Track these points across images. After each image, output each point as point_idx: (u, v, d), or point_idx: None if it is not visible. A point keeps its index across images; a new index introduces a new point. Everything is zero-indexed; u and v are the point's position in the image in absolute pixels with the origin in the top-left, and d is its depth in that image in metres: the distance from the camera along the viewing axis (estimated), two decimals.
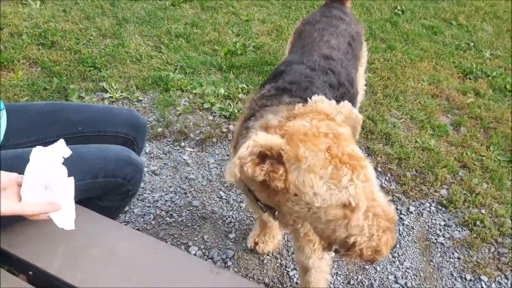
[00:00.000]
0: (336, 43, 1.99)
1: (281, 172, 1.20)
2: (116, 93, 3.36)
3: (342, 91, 1.83)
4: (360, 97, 2.64)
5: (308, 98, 1.38)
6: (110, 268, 1.27)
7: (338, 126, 1.27)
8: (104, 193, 1.65)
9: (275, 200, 1.34)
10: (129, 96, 3.36)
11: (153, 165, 2.87)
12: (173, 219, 2.55)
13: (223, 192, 2.74)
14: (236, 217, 2.59)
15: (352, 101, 1.89)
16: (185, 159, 2.92)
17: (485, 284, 2.37)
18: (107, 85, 3.40)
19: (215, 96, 3.43)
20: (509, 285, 2.38)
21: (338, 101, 1.77)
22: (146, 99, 3.38)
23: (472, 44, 4.58)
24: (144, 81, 3.51)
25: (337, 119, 1.31)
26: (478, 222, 2.65)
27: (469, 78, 4.04)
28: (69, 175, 1.27)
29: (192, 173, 2.84)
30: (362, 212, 1.21)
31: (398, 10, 5.12)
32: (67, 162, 1.28)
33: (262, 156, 1.22)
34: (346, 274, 2.37)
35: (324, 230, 1.29)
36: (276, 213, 1.61)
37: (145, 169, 2.83)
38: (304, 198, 1.21)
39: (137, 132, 1.89)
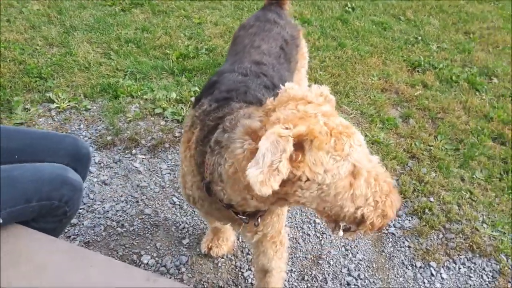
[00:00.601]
0: (267, 48, 2.00)
1: (300, 158, 1.19)
2: (64, 103, 3.28)
3: (277, 91, 1.84)
4: None
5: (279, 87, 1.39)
6: (37, 283, 1.23)
7: (320, 105, 1.29)
8: (39, 216, 1.59)
9: (279, 194, 1.29)
10: (77, 106, 3.28)
11: (103, 175, 2.81)
12: (125, 229, 2.51)
13: (176, 197, 2.71)
14: (190, 222, 2.57)
15: None
16: (136, 167, 2.88)
17: (434, 270, 2.44)
18: (54, 95, 3.32)
19: (167, 101, 3.39)
20: (457, 269, 2.46)
21: None
22: (94, 107, 3.31)
23: (420, 38, 4.71)
24: (92, 89, 3.44)
25: (318, 101, 1.32)
26: (427, 210, 2.73)
27: (418, 71, 4.16)
28: (1, 202, 1.23)
29: (144, 181, 2.80)
30: (364, 178, 1.24)
31: (349, 7, 5.21)
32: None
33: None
34: (300, 270, 2.39)
35: (332, 208, 1.28)
36: (259, 219, 1.61)
37: (95, 179, 2.77)
38: (317, 179, 1.20)
39: (78, 162, 1.82)
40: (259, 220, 1.63)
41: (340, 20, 4.90)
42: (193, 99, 3.45)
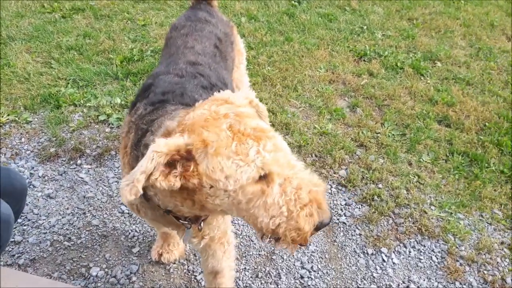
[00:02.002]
0: (201, 48, 1.98)
1: (192, 167, 1.15)
2: (2, 117, 3.14)
3: (216, 90, 1.82)
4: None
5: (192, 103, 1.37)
6: None
7: (238, 107, 1.24)
8: None
9: (197, 202, 1.28)
10: (16, 119, 3.15)
11: (48, 188, 2.71)
12: (72, 242, 2.43)
13: (125, 206, 2.65)
14: (139, 230, 2.52)
15: None
16: (82, 177, 2.79)
17: (385, 255, 2.49)
18: None
19: (111, 107, 3.31)
20: (408, 253, 2.51)
21: None
22: (36, 119, 3.19)
23: (365, 27, 4.79)
24: (32, 100, 3.31)
25: (239, 102, 1.28)
26: (375, 197, 2.78)
27: (364, 60, 4.22)
28: None
29: (91, 191, 2.72)
30: (278, 185, 1.16)
31: (295, 1, 5.24)
32: None
33: (170, 163, 1.16)
34: (254, 268, 2.38)
35: (249, 217, 1.23)
36: (201, 224, 1.57)
37: (39, 194, 2.67)
38: (219, 186, 1.16)
39: (11, 198, 1.73)
40: (201, 224, 1.61)
41: (286, 14, 4.92)
42: None
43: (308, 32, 4.60)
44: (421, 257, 2.51)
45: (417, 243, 2.59)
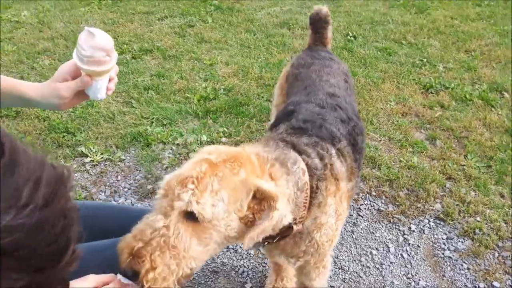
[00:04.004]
0: (335, 82, 2.07)
1: None
2: (97, 155, 3.26)
3: (352, 124, 1.89)
4: None
5: None
6: None
7: None
8: None
9: None
10: (110, 157, 3.27)
11: None
12: None
13: None
14: (248, 266, 2.55)
15: (362, 132, 1.95)
16: None
17: None
18: (86, 149, 3.30)
19: (198, 144, 3.41)
20: None
21: (351, 135, 1.83)
22: (128, 157, 3.30)
23: (425, 60, 4.86)
24: (122, 139, 3.44)
25: None
26: (477, 230, 2.76)
27: (431, 92, 4.27)
28: None
29: None
30: None
31: (350, 36, 5.36)
32: (112, 267, 1.30)
33: None
34: None
35: None
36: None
37: None
38: None
39: None
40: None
41: (345, 49, 5.03)
42: (224, 139, 3.47)
43: (370, 66, 4.68)
44: None
45: None
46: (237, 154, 1.33)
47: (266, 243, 1.56)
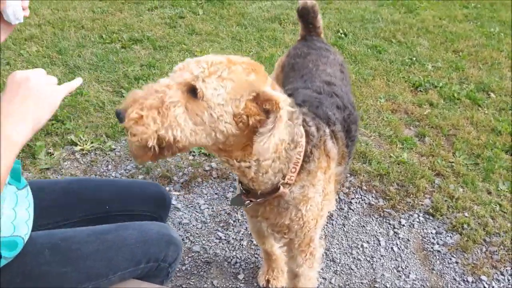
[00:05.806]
0: (332, 71, 2.08)
1: None
2: (86, 144, 3.21)
3: (347, 112, 1.90)
4: None
5: None
6: None
7: None
8: (143, 278, 1.54)
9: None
10: (101, 146, 3.23)
11: None
12: (177, 269, 2.45)
13: (221, 232, 2.68)
14: (240, 257, 2.55)
15: (356, 122, 1.97)
16: (173, 204, 2.84)
17: (486, 283, 2.51)
18: (75, 137, 3.25)
19: None
20: (507, 281, 2.53)
21: (346, 121, 1.84)
22: (119, 147, 3.26)
23: (414, 58, 4.92)
24: (113, 128, 3.39)
25: None
26: (465, 225, 2.82)
27: (420, 91, 4.32)
28: (114, 264, 1.39)
29: (185, 217, 2.76)
30: None
31: (341, 33, 5.39)
32: (112, 250, 1.30)
33: None
34: None
35: None
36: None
37: None
38: None
39: (163, 210, 1.80)
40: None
41: (335, 46, 5.05)
42: None
43: (361, 63, 4.72)
44: None
45: None
46: (257, 65, 1.37)
47: (249, 201, 1.56)
